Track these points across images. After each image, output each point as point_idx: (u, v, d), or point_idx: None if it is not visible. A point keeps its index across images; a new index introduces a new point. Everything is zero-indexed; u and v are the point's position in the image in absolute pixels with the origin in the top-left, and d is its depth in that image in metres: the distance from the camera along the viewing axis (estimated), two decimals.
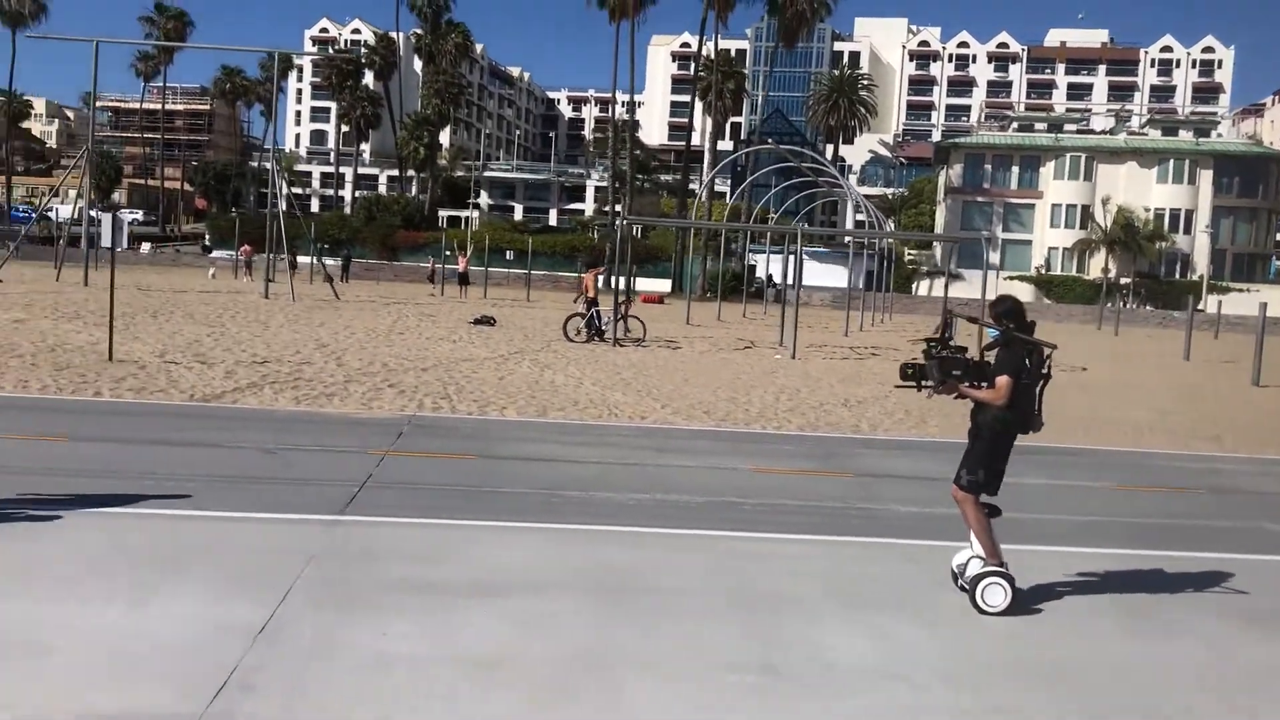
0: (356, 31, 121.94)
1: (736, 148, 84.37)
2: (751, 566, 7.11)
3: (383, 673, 4.97)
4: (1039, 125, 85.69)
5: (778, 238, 50.02)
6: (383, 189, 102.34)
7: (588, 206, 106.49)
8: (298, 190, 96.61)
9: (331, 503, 8.21)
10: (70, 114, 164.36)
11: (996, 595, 6.29)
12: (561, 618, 5.88)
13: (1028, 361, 6.30)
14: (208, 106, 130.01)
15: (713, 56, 75.21)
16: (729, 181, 79.36)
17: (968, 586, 6.44)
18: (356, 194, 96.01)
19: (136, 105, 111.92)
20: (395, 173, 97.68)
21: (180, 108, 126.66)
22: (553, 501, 8.85)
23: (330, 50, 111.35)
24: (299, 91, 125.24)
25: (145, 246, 72.11)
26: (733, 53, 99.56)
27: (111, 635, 5.23)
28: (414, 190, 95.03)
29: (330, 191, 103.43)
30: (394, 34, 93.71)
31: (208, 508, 7.84)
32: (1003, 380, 6.23)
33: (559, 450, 11.44)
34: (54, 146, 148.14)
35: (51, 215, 66.41)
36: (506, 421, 13.20)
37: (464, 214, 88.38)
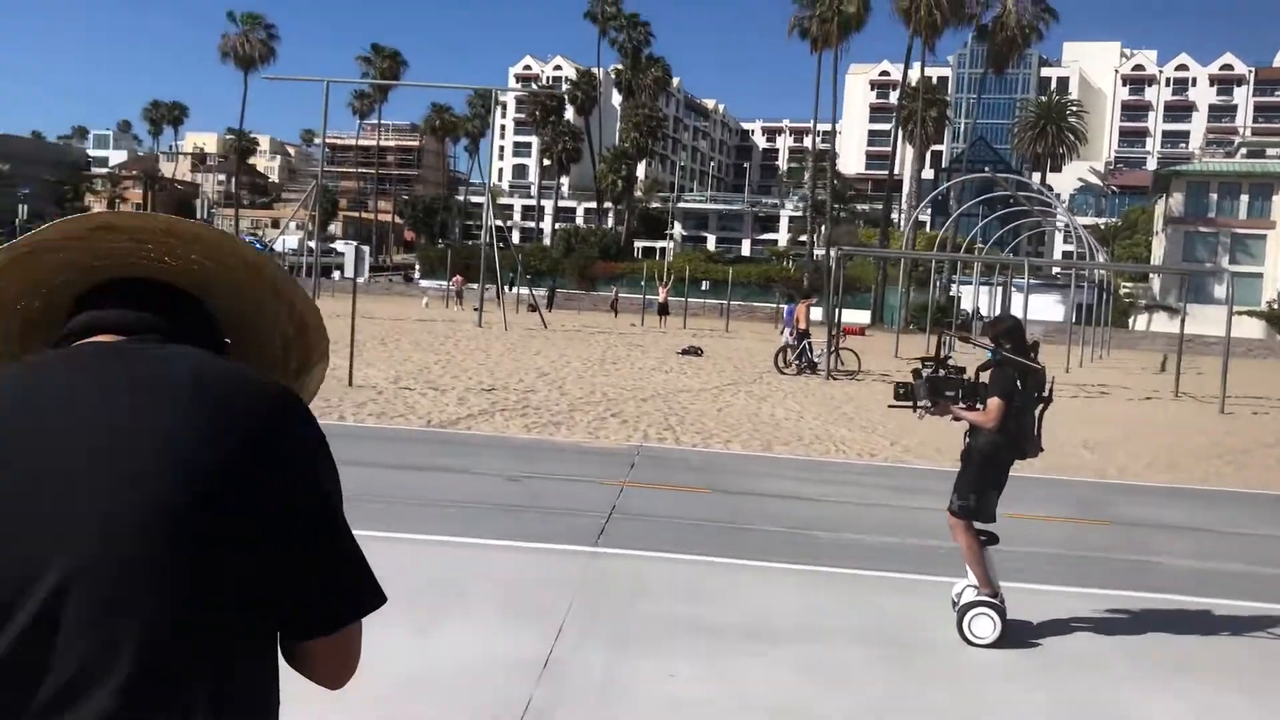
0: (558, 68, 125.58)
1: (937, 176, 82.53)
2: (1034, 620, 6.65)
3: (679, 718, 4.80)
4: (1271, 151, 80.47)
5: (986, 269, 48.39)
6: (580, 221, 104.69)
7: (781, 237, 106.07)
8: (498, 222, 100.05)
9: (583, 533, 8.17)
10: (291, 150, 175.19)
11: (984, 626, 6.02)
12: (850, 668, 5.61)
13: (1019, 384, 6.08)
14: (417, 142, 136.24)
15: (916, 84, 73.89)
16: (929, 211, 77.65)
17: (956, 616, 6.11)
18: (556, 226, 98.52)
19: (352, 141, 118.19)
20: (593, 205, 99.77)
21: (392, 143, 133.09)
22: (803, 541, 8.58)
23: (534, 87, 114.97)
24: (502, 127, 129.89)
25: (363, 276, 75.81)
26: (934, 80, 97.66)
27: (402, 661, 5.26)
28: (610, 222, 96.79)
29: (531, 224, 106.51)
30: (595, 70, 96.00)
31: (466, 534, 7.92)
32: (993, 402, 6.02)
33: (793, 487, 11.16)
34: (276, 181, 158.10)
35: (276, 246, 70.70)
36: (732, 455, 13.03)
37: (659, 245, 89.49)
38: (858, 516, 9.84)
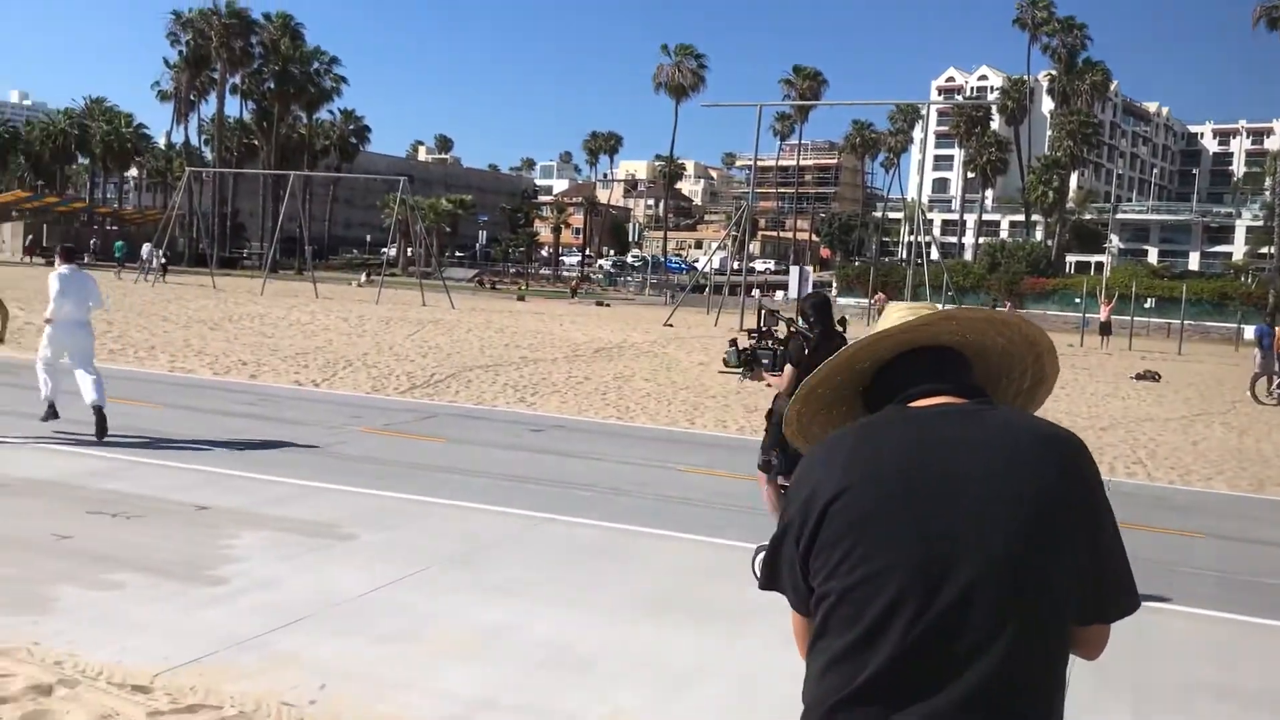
0: (983, 78, 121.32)
1: None
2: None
3: None
4: None
5: None
6: (1005, 235, 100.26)
7: (1236, 249, 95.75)
8: (920, 238, 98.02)
9: None
10: (714, 173, 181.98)
11: None
12: None
13: (813, 353, 6.61)
14: (835, 160, 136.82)
15: None
16: None
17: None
18: (979, 240, 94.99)
19: (772, 162, 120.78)
20: (1019, 218, 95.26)
21: (810, 162, 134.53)
22: None
23: (957, 99, 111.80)
24: (921, 141, 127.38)
25: (779, 294, 77.10)
26: None
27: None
28: (1039, 235, 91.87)
29: (952, 238, 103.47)
30: (1024, 77, 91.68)
31: None
32: (787, 370, 6.75)
33: None
34: (699, 204, 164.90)
35: (700, 265, 73.50)
36: (1220, 495, 11.68)
37: (1093, 259, 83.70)
38: None
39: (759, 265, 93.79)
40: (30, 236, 67.82)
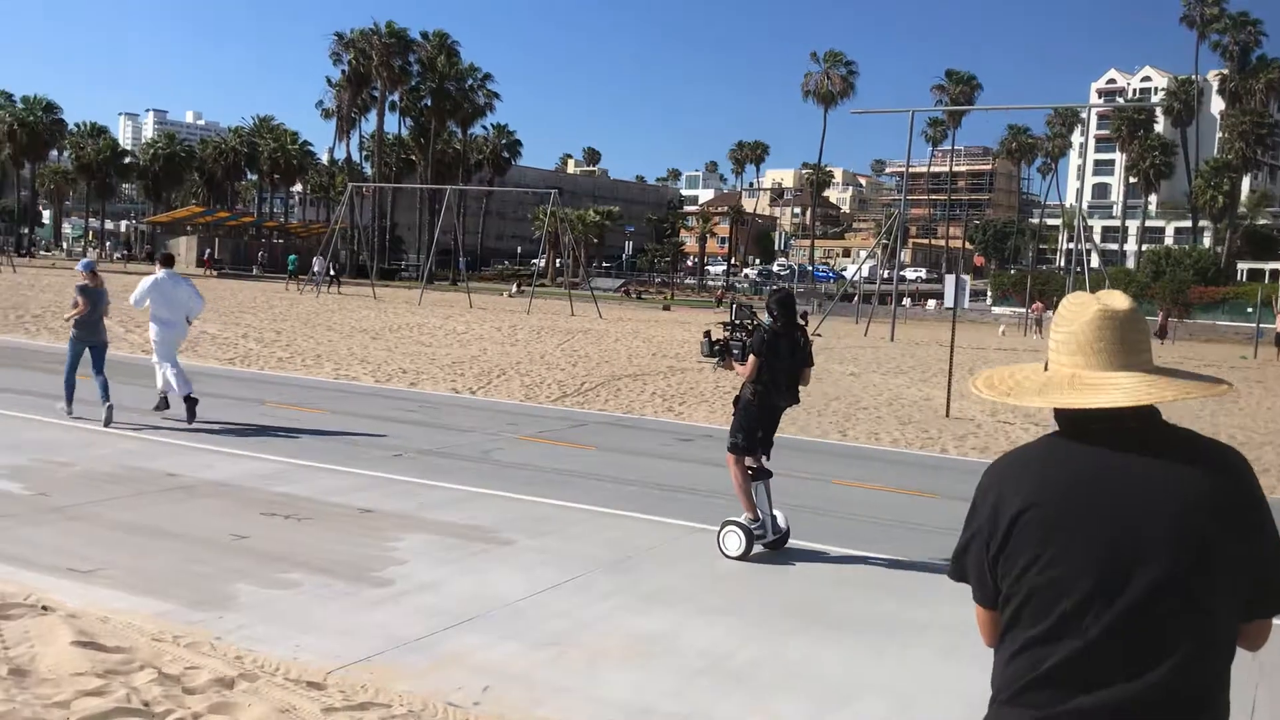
0: (1146, 79, 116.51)
1: None
2: None
3: None
4: None
5: None
6: (1170, 241, 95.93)
7: None
8: (1080, 245, 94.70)
9: None
10: (862, 181, 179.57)
11: (732, 542, 7.37)
12: None
13: (773, 345, 7.37)
14: (989, 166, 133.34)
15: None
16: None
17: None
18: (1142, 247, 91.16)
19: (924, 169, 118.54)
20: (1186, 224, 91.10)
21: (963, 168, 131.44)
22: None
23: (1119, 101, 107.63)
24: (1080, 145, 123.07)
25: (930, 304, 75.49)
26: None
27: None
28: (1207, 242, 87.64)
29: (1113, 245, 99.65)
30: (1192, 77, 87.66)
31: None
32: (750, 359, 7.39)
33: None
34: (847, 211, 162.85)
35: (848, 274, 72.61)
36: None
37: (1268, 266, 79.31)
38: None
39: (909, 273, 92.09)
40: (210, 250, 71.50)
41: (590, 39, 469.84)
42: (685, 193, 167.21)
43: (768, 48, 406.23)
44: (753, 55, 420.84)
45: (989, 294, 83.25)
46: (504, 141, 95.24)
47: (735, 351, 7.56)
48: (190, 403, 11.27)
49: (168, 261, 12.32)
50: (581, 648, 5.51)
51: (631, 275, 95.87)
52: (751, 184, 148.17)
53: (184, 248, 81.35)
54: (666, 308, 57.28)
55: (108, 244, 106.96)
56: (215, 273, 63.86)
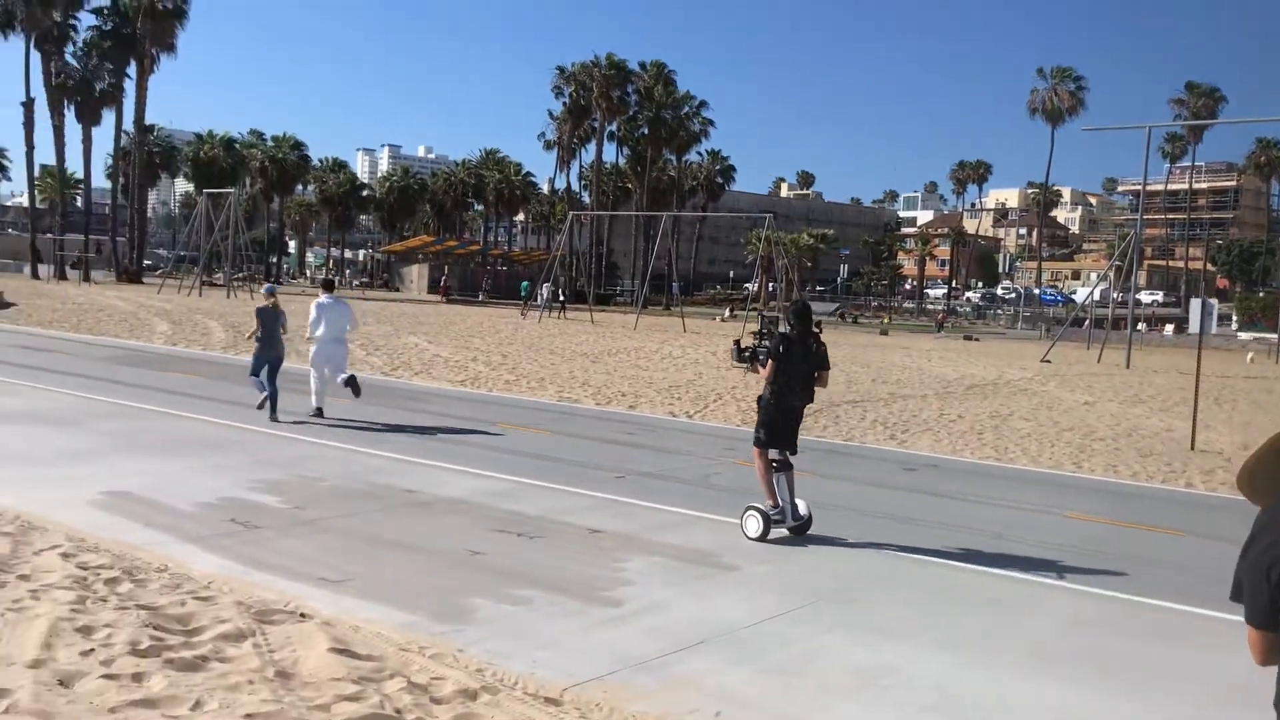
0: None
1: None
2: None
3: None
4: None
5: None
6: None
7: None
8: None
9: None
10: (1092, 200, 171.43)
11: (752, 525, 8.30)
12: None
13: (787, 350, 8.35)
14: (1233, 183, 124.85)
15: None
16: None
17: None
18: None
19: (1160, 187, 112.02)
20: None
21: (1203, 185, 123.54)
22: None
23: None
24: None
25: (1168, 329, 71.14)
26: None
27: None
28: None
29: None
30: None
31: None
32: (770, 363, 8.36)
33: None
34: (1076, 232, 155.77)
35: (1076, 297, 69.27)
36: None
37: None
38: None
39: (1145, 296, 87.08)
40: (444, 277, 75.19)
41: (802, 60, 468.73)
42: (903, 214, 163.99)
43: (989, 65, 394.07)
44: (974, 73, 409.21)
45: (1234, 318, 77.74)
46: (717, 167, 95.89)
47: (760, 357, 8.74)
48: (351, 384, 13.47)
49: (328, 287, 14.61)
50: (809, 677, 5.46)
51: (847, 299, 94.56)
52: (973, 204, 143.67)
53: (416, 275, 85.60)
54: (884, 332, 56.14)
55: (347, 271, 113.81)
56: (446, 299, 66.95)
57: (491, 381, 19.70)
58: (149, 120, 73.11)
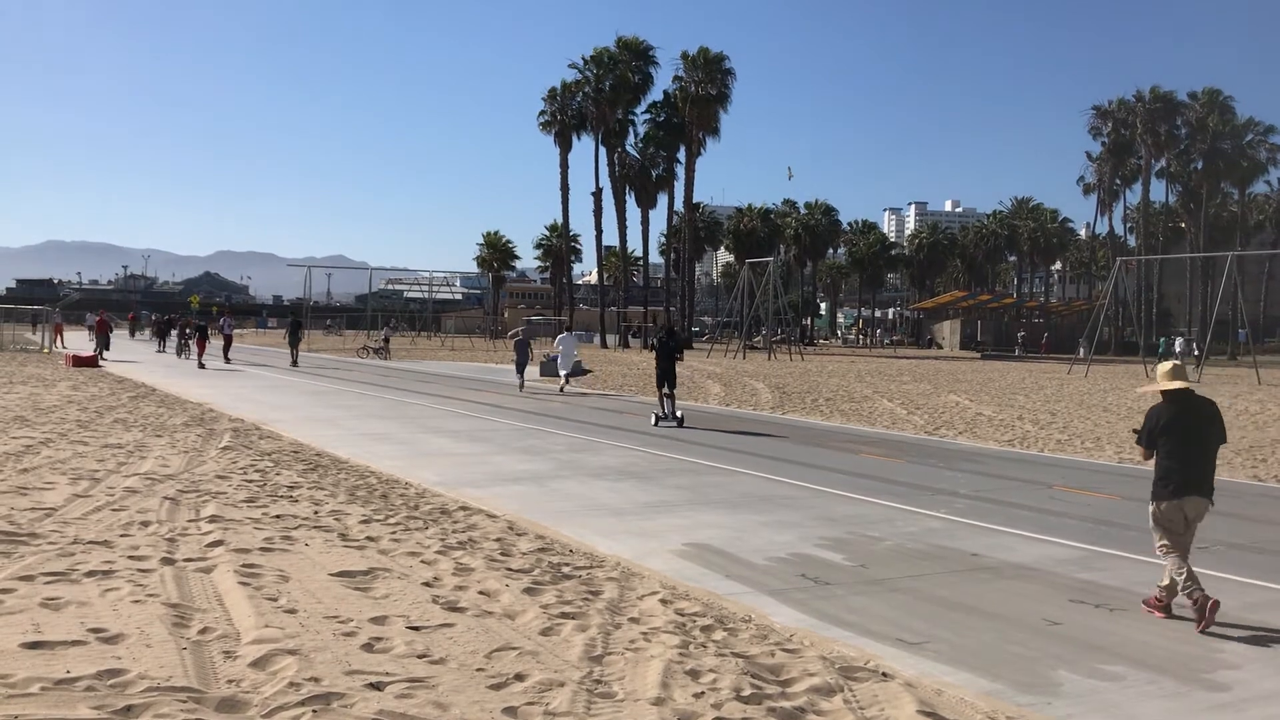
0: None
1: None
2: None
3: None
4: None
5: None
6: None
7: None
8: None
9: None
10: None
11: None
12: None
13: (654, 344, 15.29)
14: None
15: None
16: None
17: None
18: None
19: None
20: None
21: None
22: None
23: None
24: None
25: None
26: None
27: None
28: None
29: None
30: None
31: None
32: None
33: None
34: None
35: None
36: None
37: None
38: None
39: None
40: (982, 335, 73.88)
41: None
42: None
43: None
44: None
45: None
46: None
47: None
48: (578, 372, 22.28)
49: (568, 328, 22.68)
50: None
51: None
52: None
53: (947, 330, 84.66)
54: None
55: (878, 331, 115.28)
56: (979, 355, 65.47)
57: (1040, 441, 18.88)
58: (696, 199, 79.49)
